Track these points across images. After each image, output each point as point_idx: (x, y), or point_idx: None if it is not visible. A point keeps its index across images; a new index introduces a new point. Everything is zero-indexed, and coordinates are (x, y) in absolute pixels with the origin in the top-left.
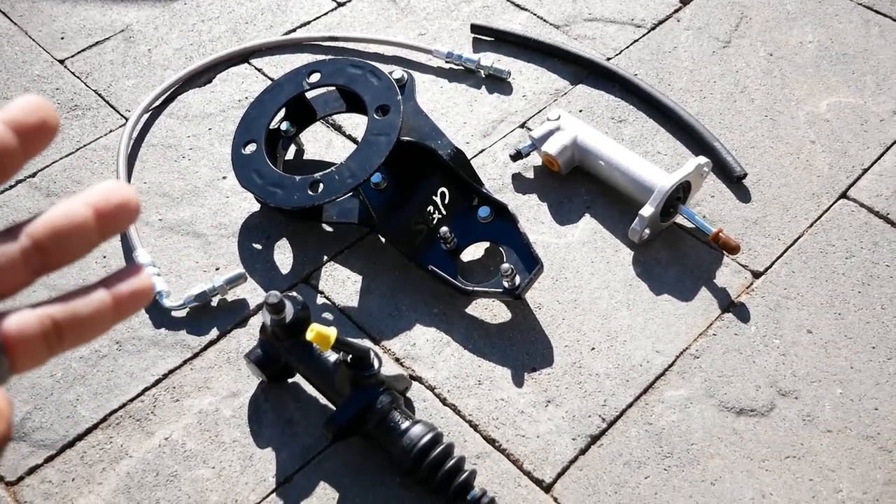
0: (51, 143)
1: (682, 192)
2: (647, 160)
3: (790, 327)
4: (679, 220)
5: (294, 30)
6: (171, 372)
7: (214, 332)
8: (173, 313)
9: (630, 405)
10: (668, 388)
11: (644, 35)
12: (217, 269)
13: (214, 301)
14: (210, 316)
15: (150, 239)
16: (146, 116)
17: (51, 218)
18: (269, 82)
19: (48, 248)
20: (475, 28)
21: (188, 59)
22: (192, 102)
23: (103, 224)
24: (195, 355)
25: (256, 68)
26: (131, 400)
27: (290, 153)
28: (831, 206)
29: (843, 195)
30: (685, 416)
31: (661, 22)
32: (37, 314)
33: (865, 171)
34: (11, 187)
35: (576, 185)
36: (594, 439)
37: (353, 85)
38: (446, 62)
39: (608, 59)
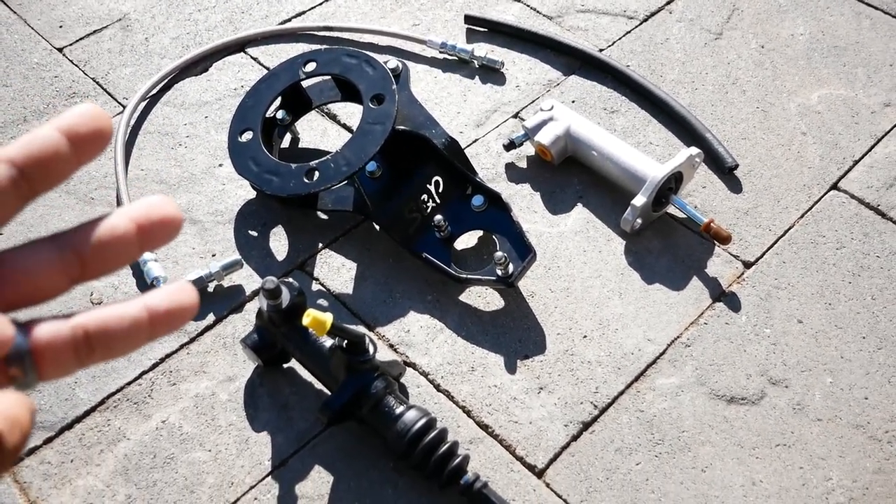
0: (103, 151)
1: (673, 182)
2: (639, 151)
3: (781, 317)
4: (671, 210)
5: (289, 19)
6: (168, 356)
7: (211, 318)
8: None
9: (621, 392)
10: (659, 375)
11: (636, 26)
12: (213, 256)
13: (211, 287)
14: (207, 301)
15: None
16: (143, 104)
17: (93, 230)
18: (265, 71)
19: (88, 259)
20: (469, 19)
21: (185, 48)
22: (188, 91)
23: (144, 238)
24: (192, 340)
25: (252, 57)
26: (129, 383)
27: (286, 142)
28: (822, 197)
29: (834, 186)
30: (676, 404)
31: (653, 13)
32: (69, 325)
33: (856, 162)
34: None
35: (568, 174)
36: (586, 426)
37: (349, 74)
38: (440, 52)
39: (601, 50)
